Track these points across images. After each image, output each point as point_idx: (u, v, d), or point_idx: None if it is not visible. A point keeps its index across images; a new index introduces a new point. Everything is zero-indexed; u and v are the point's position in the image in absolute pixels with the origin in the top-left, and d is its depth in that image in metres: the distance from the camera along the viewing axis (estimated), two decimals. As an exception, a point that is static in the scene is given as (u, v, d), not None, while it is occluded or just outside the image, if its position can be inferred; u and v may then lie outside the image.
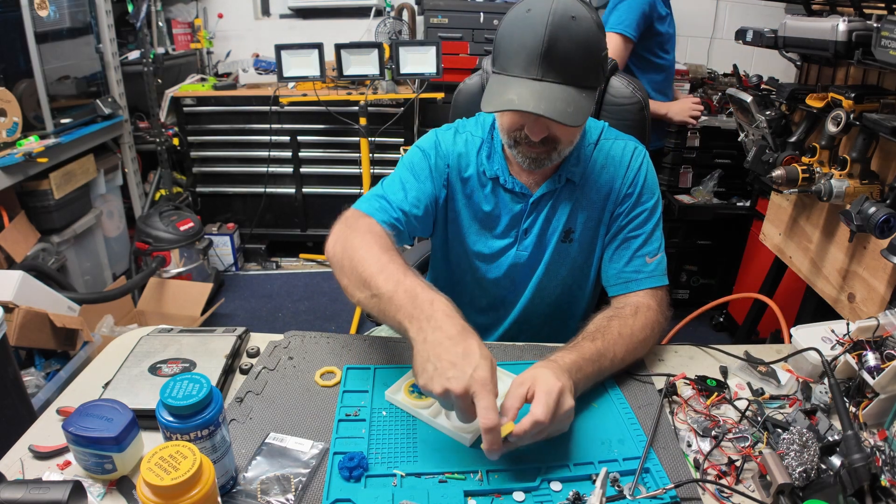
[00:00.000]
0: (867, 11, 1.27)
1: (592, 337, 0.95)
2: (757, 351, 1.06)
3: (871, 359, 0.88)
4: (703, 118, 2.56)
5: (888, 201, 1.15)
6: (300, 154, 3.23)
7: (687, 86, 3.12)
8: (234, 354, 1.01)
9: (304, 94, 2.97)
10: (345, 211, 1.09)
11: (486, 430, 0.73)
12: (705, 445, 0.83)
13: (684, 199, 2.71)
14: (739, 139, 1.62)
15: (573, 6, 0.94)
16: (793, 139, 1.42)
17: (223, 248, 3.31)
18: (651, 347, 1.05)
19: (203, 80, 3.34)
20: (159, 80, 3.04)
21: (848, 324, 0.96)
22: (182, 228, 2.84)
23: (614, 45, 2.10)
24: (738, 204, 2.67)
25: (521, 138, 1.03)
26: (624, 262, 1.13)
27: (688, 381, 0.96)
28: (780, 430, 0.82)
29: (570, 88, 0.95)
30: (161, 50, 3.16)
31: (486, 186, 1.16)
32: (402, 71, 2.76)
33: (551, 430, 0.79)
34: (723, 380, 0.98)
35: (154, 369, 0.93)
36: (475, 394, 0.74)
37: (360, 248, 0.95)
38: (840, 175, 1.27)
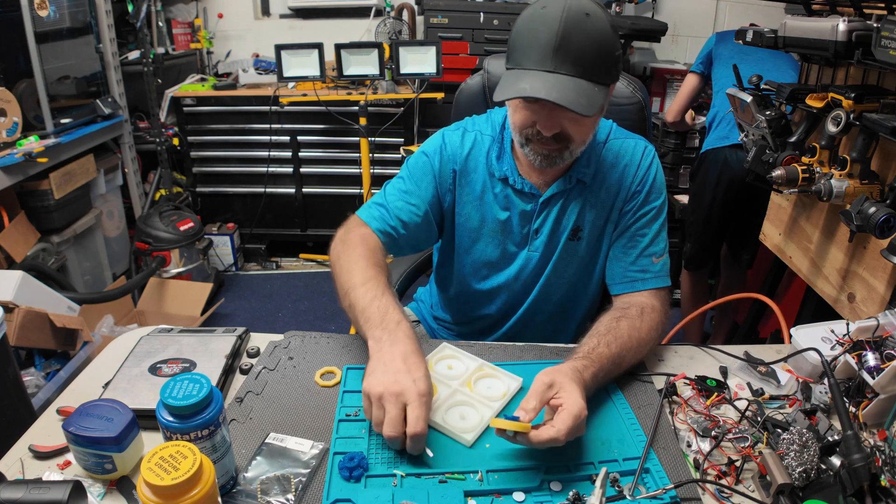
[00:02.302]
0: (867, 11, 1.27)
1: (608, 342, 0.95)
2: (757, 351, 1.06)
3: (871, 359, 0.88)
4: (703, 118, 2.56)
5: (888, 201, 1.15)
6: (300, 154, 3.23)
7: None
8: (234, 354, 1.01)
9: (304, 94, 2.97)
10: (348, 217, 1.13)
11: (412, 437, 0.77)
12: (705, 445, 0.83)
13: (684, 199, 2.70)
14: (740, 139, 1.62)
15: (587, 4, 0.94)
16: (793, 139, 1.42)
17: (223, 248, 3.31)
18: (654, 348, 1.05)
19: (203, 80, 3.34)
20: (159, 80, 3.04)
21: (848, 324, 0.96)
22: (182, 228, 2.84)
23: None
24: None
25: (534, 135, 1.03)
26: (630, 260, 1.13)
27: (688, 382, 0.96)
28: (779, 431, 0.82)
29: (583, 81, 0.95)
30: (161, 50, 3.16)
31: (495, 188, 1.16)
32: (402, 71, 2.76)
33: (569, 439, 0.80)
34: (723, 380, 0.98)
35: (154, 369, 0.93)
36: (409, 402, 0.78)
37: (349, 259, 1.02)
38: (840, 175, 1.27)
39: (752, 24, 2.27)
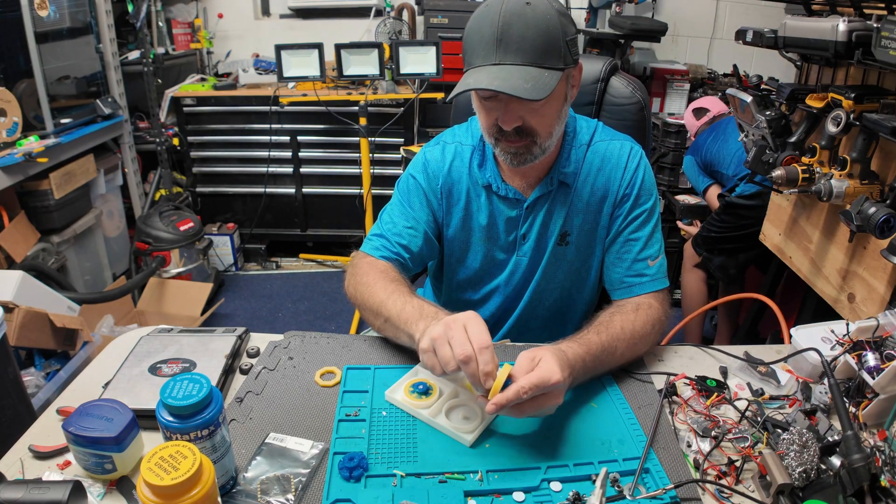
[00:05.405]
0: (867, 11, 1.27)
1: (597, 331, 0.96)
2: (757, 351, 1.06)
3: (871, 359, 0.88)
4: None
5: (888, 201, 1.15)
6: (300, 154, 3.23)
7: (687, 86, 3.13)
8: (234, 354, 1.01)
9: (304, 94, 2.97)
10: (353, 254, 1.16)
11: (479, 351, 0.80)
12: (705, 446, 0.83)
13: (684, 199, 2.71)
14: (739, 139, 1.62)
15: None
16: (793, 139, 1.42)
17: (223, 248, 3.31)
18: (652, 345, 1.05)
19: (203, 80, 3.34)
20: (159, 80, 3.04)
21: (848, 324, 0.96)
22: (182, 228, 2.84)
23: None
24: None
25: (499, 134, 1.03)
26: (626, 265, 1.12)
27: (688, 382, 0.96)
28: (779, 431, 0.82)
29: (530, 68, 0.94)
30: (161, 50, 3.16)
31: (480, 196, 1.16)
32: (402, 71, 2.76)
33: (534, 412, 0.82)
34: (723, 380, 0.98)
35: (154, 369, 0.93)
36: (466, 323, 0.82)
37: (368, 283, 1.05)
38: (840, 175, 1.27)
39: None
